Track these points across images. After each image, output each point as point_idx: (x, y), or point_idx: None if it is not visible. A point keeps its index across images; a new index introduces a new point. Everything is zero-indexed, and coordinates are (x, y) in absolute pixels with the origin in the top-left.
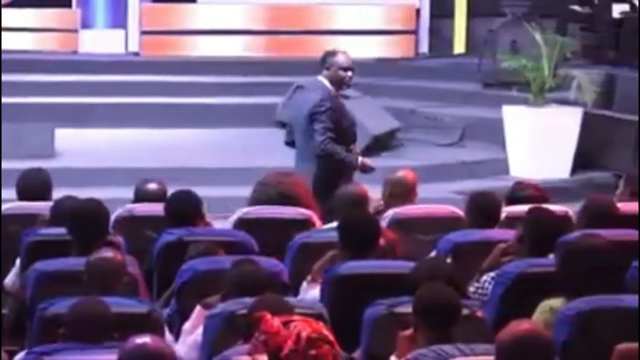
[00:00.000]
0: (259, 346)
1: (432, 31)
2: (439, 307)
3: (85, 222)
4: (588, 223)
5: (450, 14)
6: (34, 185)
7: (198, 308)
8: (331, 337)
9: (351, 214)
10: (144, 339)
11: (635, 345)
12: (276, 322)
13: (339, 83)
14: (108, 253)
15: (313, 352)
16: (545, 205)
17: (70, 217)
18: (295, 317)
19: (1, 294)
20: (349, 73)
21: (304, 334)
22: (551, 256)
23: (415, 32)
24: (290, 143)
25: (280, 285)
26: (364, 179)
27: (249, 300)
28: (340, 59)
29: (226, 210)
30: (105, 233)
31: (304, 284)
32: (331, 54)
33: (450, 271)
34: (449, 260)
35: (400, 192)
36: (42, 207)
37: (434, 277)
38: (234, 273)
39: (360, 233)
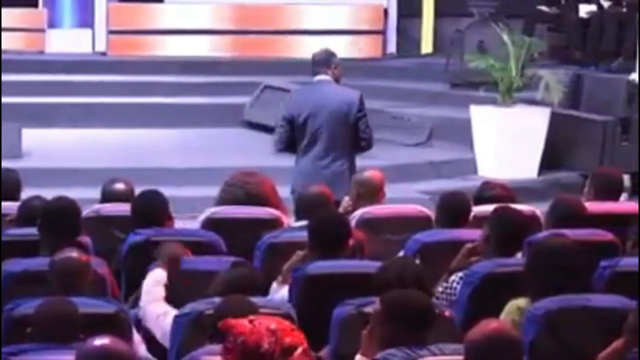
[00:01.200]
0: (233, 349)
1: (400, 31)
2: (413, 313)
3: (58, 220)
4: (555, 223)
5: (417, 14)
6: (2, 185)
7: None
8: (293, 326)
9: (321, 214)
10: (102, 341)
11: (614, 345)
12: (245, 322)
13: (338, 81)
14: (73, 253)
15: (288, 340)
16: (512, 205)
17: (42, 216)
18: (252, 316)
19: None
20: None
21: (273, 326)
22: (519, 255)
23: (383, 32)
24: (290, 143)
25: None
26: None
27: (217, 300)
28: (339, 58)
29: (193, 210)
30: (76, 232)
31: (274, 284)
32: (333, 54)
33: (418, 271)
34: (417, 260)
35: (367, 192)
36: (10, 207)
37: (402, 277)
38: (230, 274)
39: (331, 233)
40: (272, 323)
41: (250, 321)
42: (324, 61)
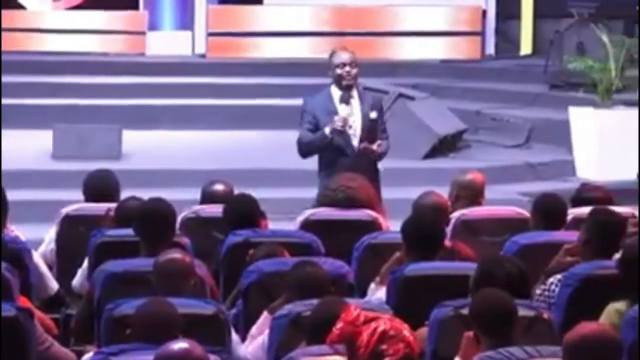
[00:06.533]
0: (336, 334)
1: (499, 32)
2: (493, 313)
3: (153, 222)
4: None
5: (516, 15)
6: (101, 186)
7: (265, 314)
8: (410, 338)
9: (413, 216)
10: (181, 345)
11: None
12: (356, 313)
13: (339, 82)
14: (177, 254)
15: (384, 346)
16: (609, 207)
17: (138, 218)
18: (384, 316)
19: (61, 296)
20: (347, 68)
21: (380, 329)
22: (617, 257)
23: (481, 33)
24: None
25: (346, 287)
26: (432, 182)
27: (315, 301)
28: (335, 58)
29: (291, 212)
30: (173, 233)
31: (372, 285)
32: (330, 56)
33: (523, 271)
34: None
35: (468, 194)
36: (108, 208)
37: (510, 275)
38: (294, 275)
39: (422, 235)
40: (386, 327)
41: (372, 319)
42: None
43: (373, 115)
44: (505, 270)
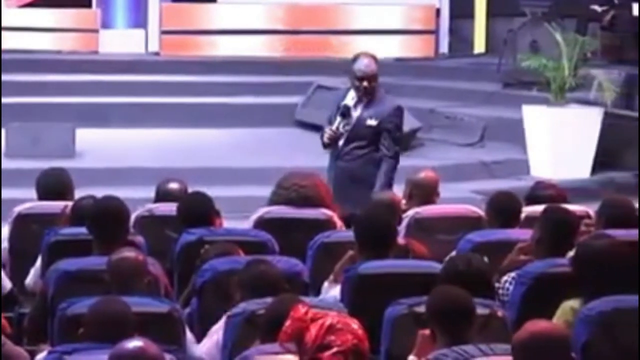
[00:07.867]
0: (286, 332)
1: (452, 31)
2: (452, 310)
3: (107, 220)
4: (605, 223)
5: (470, 14)
6: (54, 184)
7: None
8: (359, 332)
9: (365, 213)
10: (135, 343)
11: None
12: (304, 310)
13: (356, 91)
14: (130, 252)
15: (332, 337)
16: (563, 205)
17: (91, 216)
18: (331, 313)
19: (14, 295)
20: (364, 83)
21: (327, 323)
22: (571, 255)
23: (435, 32)
24: None
25: (300, 285)
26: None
27: (269, 299)
28: (355, 67)
29: (245, 210)
30: (126, 232)
31: (326, 283)
32: (353, 59)
33: (484, 266)
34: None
35: (422, 192)
36: (62, 206)
37: (468, 273)
38: (247, 274)
39: (374, 233)
40: (333, 321)
41: (318, 317)
42: None
43: (371, 122)
44: (472, 268)
